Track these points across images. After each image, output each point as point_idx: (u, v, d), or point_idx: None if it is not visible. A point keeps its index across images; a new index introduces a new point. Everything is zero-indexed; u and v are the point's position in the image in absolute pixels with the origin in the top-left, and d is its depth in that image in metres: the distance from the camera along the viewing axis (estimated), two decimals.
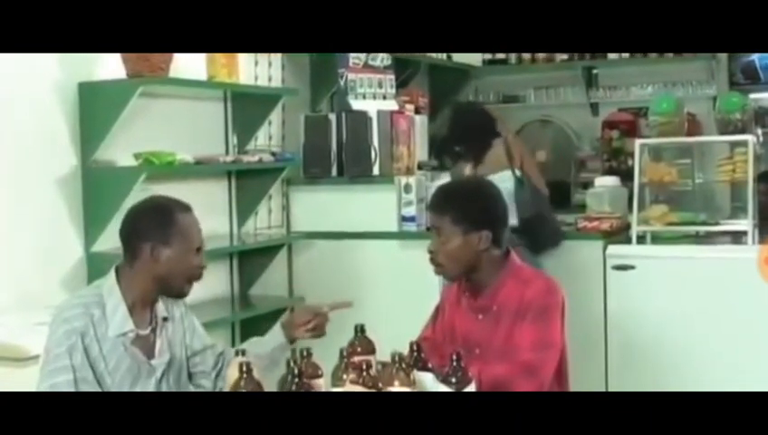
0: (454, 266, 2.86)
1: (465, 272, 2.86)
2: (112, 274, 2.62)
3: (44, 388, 2.47)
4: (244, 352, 2.62)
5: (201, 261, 2.67)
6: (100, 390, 2.51)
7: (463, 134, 4.90)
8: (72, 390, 2.45)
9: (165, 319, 2.68)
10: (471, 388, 2.33)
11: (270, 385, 2.38)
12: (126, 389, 2.55)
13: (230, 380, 2.37)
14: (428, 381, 2.41)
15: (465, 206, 2.85)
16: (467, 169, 4.75)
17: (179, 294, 2.67)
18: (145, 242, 2.57)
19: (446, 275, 2.93)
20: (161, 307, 2.68)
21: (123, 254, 2.64)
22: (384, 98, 5.36)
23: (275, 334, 2.90)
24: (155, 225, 2.59)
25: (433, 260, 2.89)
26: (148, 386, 2.60)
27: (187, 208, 2.66)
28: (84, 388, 2.47)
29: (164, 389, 2.63)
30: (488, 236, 2.81)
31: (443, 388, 2.32)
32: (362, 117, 5.07)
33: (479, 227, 2.81)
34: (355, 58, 5.06)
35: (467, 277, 2.88)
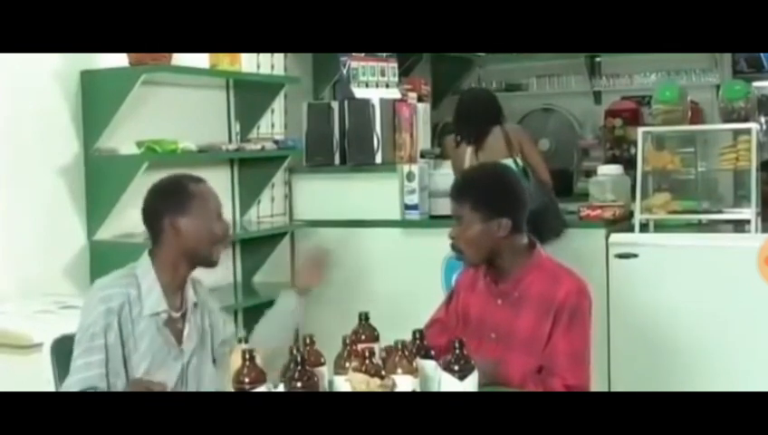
0: (475, 253, 2.86)
1: (486, 258, 2.86)
2: (146, 256, 2.65)
3: (80, 365, 2.50)
4: (246, 340, 2.62)
5: (224, 224, 2.69)
6: (124, 370, 2.53)
7: (462, 116, 4.89)
8: (103, 369, 2.49)
9: (195, 305, 2.71)
10: (474, 375, 2.33)
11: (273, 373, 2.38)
12: (153, 371, 2.55)
13: (233, 367, 2.37)
14: (431, 369, 2.42)
15: (484, 193, 2.85)
16: (468, 153, 4.74)
17: (209, 261, 2.67)
18: (163, 218, 2.60)
19: (468, 260, 2.94)
20: (191, 293, 2.70)
21: (149, 237, 2.67)
22: (387, 86, 5.36)
23: (285, 300, 3.00)
24: (169, 198, 2.62)
25: (454, 246, 2.91)
26: (175, 369, 2.61)
27: (198, 179, 2.69)
28: (110, 368, 2.51)
29: (189, 373, 2.65)
30: (508, 223, 2.80)
31: (446, 375, 2.32)
32: (365, 105, 5.06)
33: (498, 214, 2.80)
34: None
35: (490, 263, 2.88)
